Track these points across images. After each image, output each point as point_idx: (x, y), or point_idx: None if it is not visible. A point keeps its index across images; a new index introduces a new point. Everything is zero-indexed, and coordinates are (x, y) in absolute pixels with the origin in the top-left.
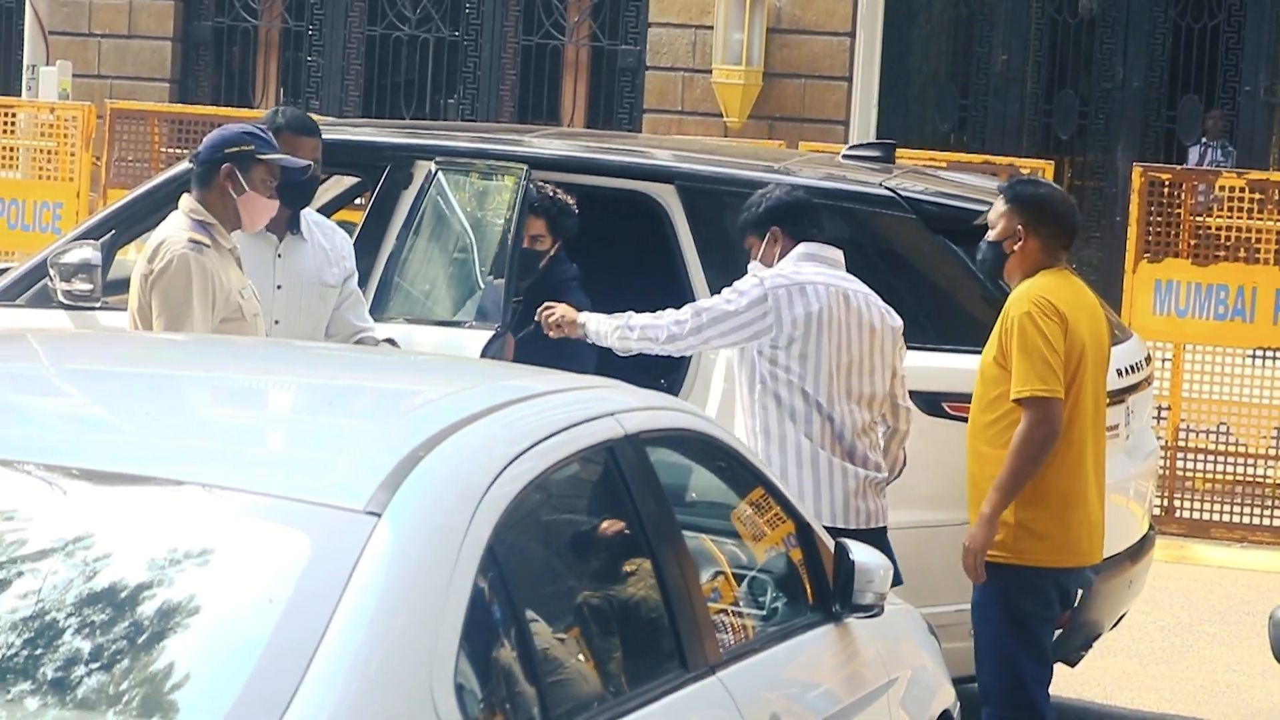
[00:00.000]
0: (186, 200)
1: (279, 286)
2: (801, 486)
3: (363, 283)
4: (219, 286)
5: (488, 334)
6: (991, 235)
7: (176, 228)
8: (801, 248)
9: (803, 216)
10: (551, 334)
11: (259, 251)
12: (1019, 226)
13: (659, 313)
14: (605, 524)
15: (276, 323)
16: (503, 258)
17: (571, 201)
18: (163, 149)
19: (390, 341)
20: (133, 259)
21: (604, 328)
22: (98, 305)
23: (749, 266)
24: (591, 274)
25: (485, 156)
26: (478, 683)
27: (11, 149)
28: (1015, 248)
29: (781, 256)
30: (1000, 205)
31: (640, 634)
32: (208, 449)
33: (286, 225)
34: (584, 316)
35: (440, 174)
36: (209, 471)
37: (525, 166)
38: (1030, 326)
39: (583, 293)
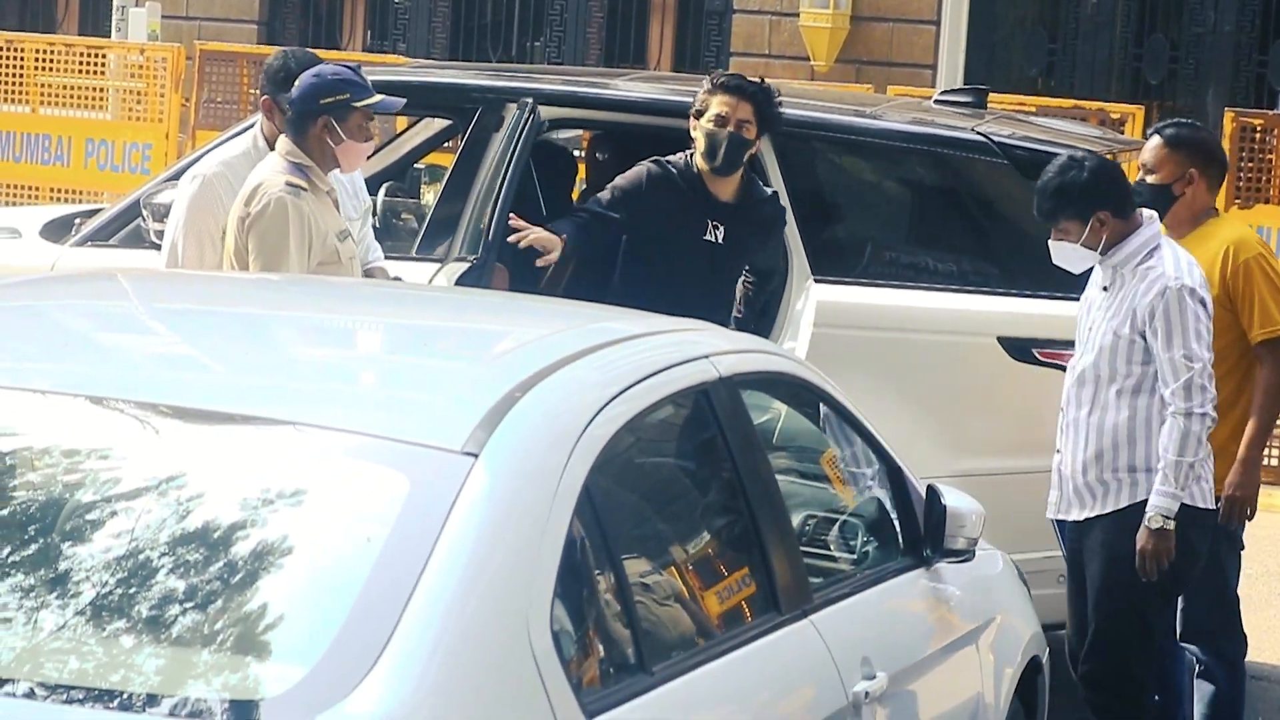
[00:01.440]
0: (283, 142)
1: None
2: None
3: (454, 224)
4: (315, 230)
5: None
6: (1156, 178)
7: (273, 170)
8: (1152, 232)
9: (1126, 189)
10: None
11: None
12: (1191, 170)
13: (1165, 428)
14: (699, 466)
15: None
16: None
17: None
18: (251, 91)
19: (397, 279)
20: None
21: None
22: None
23: (1058, 247)
24: None
25: (575, 100)
26: (573, 624)
27: (101, 90)
28: (1186, 190)
29: (1112, 240)
30: (1160, 148)
31: (733, 576)
32: (303, 389)
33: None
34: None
35: (532, 117)
36: (305, 411)
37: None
38: (1268, 269)
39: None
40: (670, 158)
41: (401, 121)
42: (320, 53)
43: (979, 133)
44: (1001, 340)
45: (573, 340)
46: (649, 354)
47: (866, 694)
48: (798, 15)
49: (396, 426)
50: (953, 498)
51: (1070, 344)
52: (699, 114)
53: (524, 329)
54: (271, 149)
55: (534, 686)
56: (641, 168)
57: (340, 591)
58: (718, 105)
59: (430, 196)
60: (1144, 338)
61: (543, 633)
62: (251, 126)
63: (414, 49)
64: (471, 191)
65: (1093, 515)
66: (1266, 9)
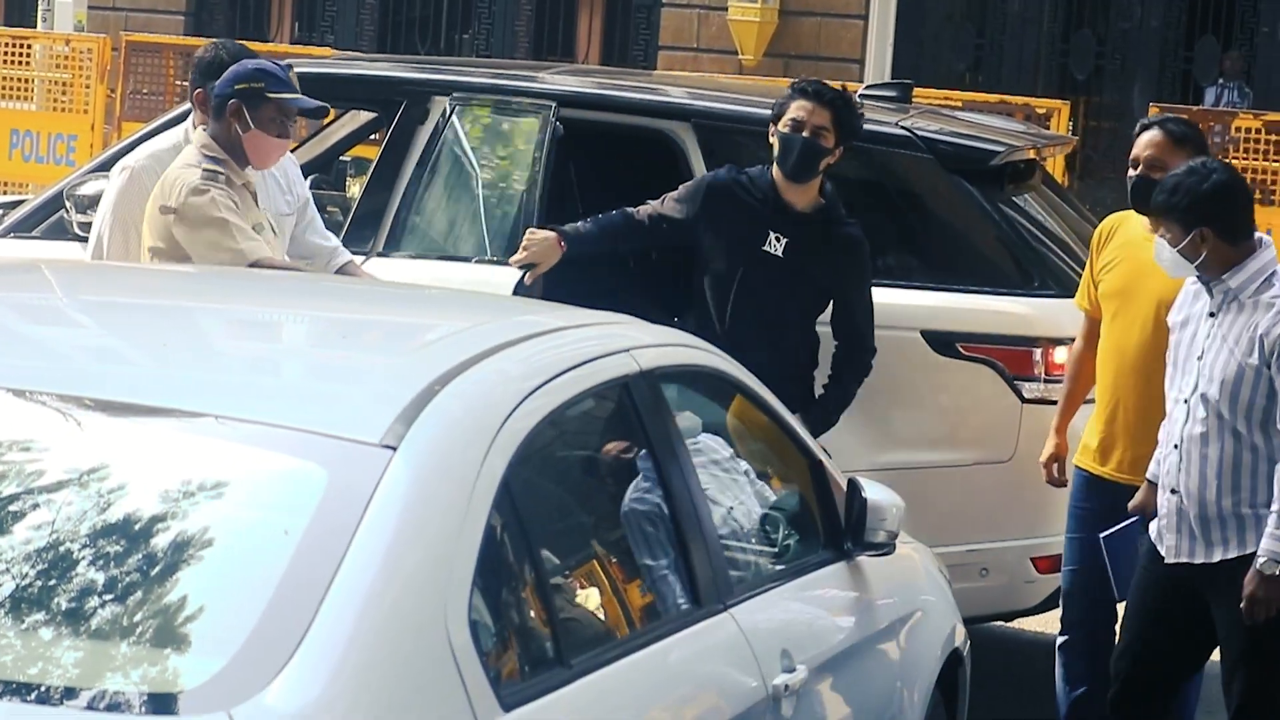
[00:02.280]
0: (200, 135)
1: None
2: None
3: (377, 219)
4: (225, 221)
5: (499, 269)
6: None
7: (188, 165)
8: (1270, 257)
9: (1243, 214)
10: None
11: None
12: None
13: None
14: (619, 458)
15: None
16: (531, 196)
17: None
18: (177, 82)
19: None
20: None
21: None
22: None
23: (1160, 244)
24: (599, 209)
25: (502, 93)
26: (491, 618)
27: (26, 80)
28: None
29: (1218, 262)
30: (1165, 143)
31: (653, 570)
32: (224, 381)
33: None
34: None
35: (457, 110)
36: (225, 403)
37: (553, 103)
38: None
39: None
40: (749, 169)
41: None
42: (247, 44)
43: (904, 127)
44: (925, 334)
45: (493, 333)
46: (570, 347)
47: (786, 686)
48: (726, 9)
49: (316, 419)
50: (873, 491)
51: (996, 338)
52: (775, 119)
53: (445, 322)
54: None
55: (451, 679)
56: (704, 175)
57: (258, 584)
58: (795, 110)
59: (356, 189)
60: (1270, 368)
61: (460, 626)
62: (182, 119)
63: (342, 41)
64: (396, 185)
65: (1231, 557)
66: (1192, 6)
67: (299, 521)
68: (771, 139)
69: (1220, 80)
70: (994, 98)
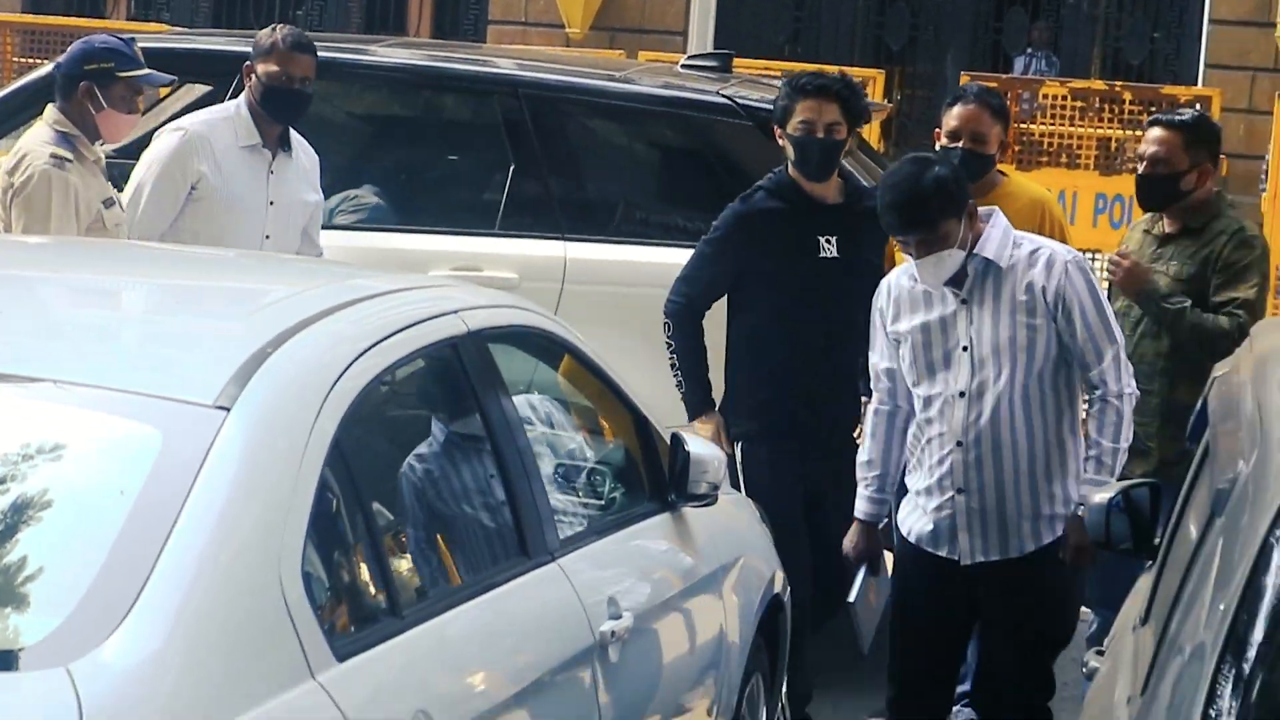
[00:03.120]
0: (50, 110)
1: (271, 203)
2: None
3: None
4: (81, 198)
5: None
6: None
7: (38, 140)
8: (1000, 217)
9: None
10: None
11: (253, 168)
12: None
13: (1098, 413)
14: (449, 418)
15: (268, 238)
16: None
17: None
18: (14, 59)
19: None
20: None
21: (1102, 477)
22: None
23: (939, 260)
24: (435, 180)
25: (333, 66)
26: (325, 572)
27: None
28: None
29: (974, 242)
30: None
31: (482, 523)
32: (62, 346)
33: (278, 142)
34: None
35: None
36: (63, 368)
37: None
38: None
39: None
40: (760, 183)
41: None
42: (83, 22)
43: (725, 95)
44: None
45: (324, 297)
46: (399, 309)
47: (613, 633)
48: None
49: (151, 382)
50: (695, 445)
51: None
52: (782, 121)
53: (277, 287)
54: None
55: (286, 632)
56: (726, 213)
57: (95, 543)
58: (802, 111)
59: None
60: (1056, 321)
61: (294, 581)
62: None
63: (178, 19)
64: None
65: (1044, 544)
66: None
67: (134, 482)
68: (781, 141)
69: (1029, 50)
70: (812, 67)
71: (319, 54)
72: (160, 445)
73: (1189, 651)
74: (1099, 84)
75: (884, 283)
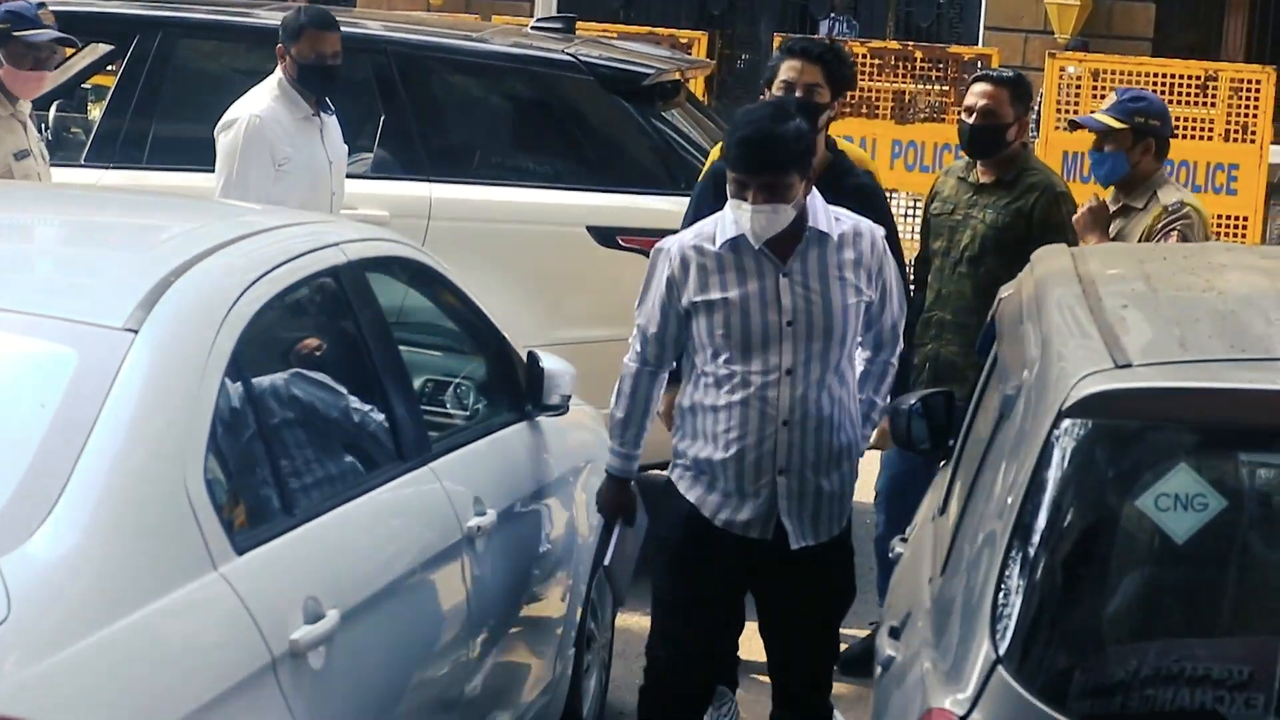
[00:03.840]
0: None
1: (330, 162)
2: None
3: (114, 137)
4: None
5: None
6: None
7: None
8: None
9: None
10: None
11: (307, 133)
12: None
13: (878, 374)
14: (332, 338)
15: (334, 194)
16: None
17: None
18: None
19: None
20: None
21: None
22: None
23: (778, 211)
24: None
25: (219, 28)
26: (224, 475)
27: None
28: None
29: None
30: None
31: (363, 432)
32: None
33: (318, 108)
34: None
35: (179, 43)
36: None
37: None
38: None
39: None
40: None
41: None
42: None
43: (569, 54)
44: (590, 229)
45: (220, 232)
46: (286, 243)
47: (479, 528)
48: None
49: (66, 308)
50: (549, 361)
51: (648, 231)
52: (768, 82)
53: (177, 224)
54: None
55: (191, 529)
56: (703, 182)
57: (19, 452)
58: (785, 71)
59: (96, 113)
60: (874, 291)
61: (198, 483)
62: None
63: None
64: (129, 107)
65: (840, 531)
66: None
67: (54, 396)
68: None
69: (832, 14)
70: (644, 29)
71: (205, 16)
72: (76, 363)
73: (982, 537)
74: (893, 44)
75: (670, 247)
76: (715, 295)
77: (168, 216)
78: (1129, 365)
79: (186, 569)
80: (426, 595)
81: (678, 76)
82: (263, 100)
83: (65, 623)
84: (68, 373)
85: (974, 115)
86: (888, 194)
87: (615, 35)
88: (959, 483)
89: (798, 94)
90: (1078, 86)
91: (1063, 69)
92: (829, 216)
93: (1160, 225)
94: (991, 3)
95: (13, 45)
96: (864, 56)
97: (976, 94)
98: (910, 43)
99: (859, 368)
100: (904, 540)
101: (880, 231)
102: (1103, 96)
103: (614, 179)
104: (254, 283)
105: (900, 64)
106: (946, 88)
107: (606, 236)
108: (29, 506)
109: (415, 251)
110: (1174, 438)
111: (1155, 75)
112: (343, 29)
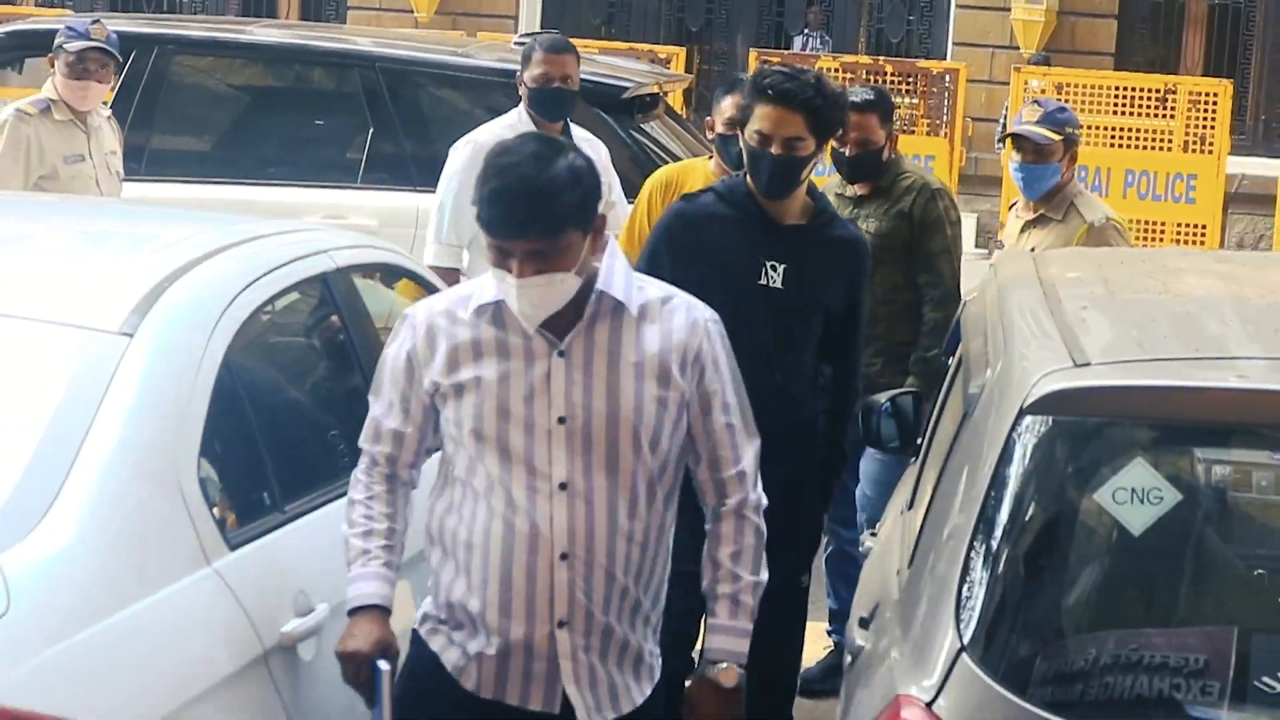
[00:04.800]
0: (49, 83)
1: None
2: None
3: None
4: (34, 148)
5: (211, 187)
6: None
7: (18, 103)
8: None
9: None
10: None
11: None
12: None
13: (726, 530)
14: (322, 341)
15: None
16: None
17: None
18: None
19: None
20: None
21: (739, 623)
22: None
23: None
24: (305, 142)
25: (216, 44)
26: (218, 475)
27: None
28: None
29: (586, 270)
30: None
31: (351, 431)
32: None
33: (564, 132)
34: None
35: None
36: None
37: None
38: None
39: None
40: (714, 184)
41: None
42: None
43: None
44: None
45: (213, 239)
46: (277, 249)
47: None
48: None
49: (64, 313)
50: None
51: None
52: (742, 123)
53: (170, 231)
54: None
55: (185, 527)
56: (667, 211)
57: (17, 453)
58: (760, 118)
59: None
60: (685, 391)
61: (191, 482)
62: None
63: (80, 5)
64: (127, 119)
65: (640, 705)
66: None
67: (51, 398)
68: (742, 145)
69: (805, 30)
70: (625, 45)
71: (200, 33)
72: (73, 367)
73: (947, 530)
74: (865, 58)
75: (415, 314)
76: (466, 376)
77: (161, 225)
78: (1088, 364)
79: (181, 564)
80: (406, 585)
81: (656, 90)
82: (494, 127)
83: (63, 616)
84: (65, 376)
85: (847, 146)
86: None
87: (596, 50)
88: (926, 478)
89: (774, 149)
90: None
91: (1027, 83)
92: (629, 282)
93: (1091, 243)
94: (959, 19)
95: (64, 56)
96: (836, 70)
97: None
98: (881, 57)
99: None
100: (874, 535)
101: (709, 316)
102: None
103: None
104: (246, 288)
105: (871, 78)
106: (916, 100)
107: None
108: (27, 505)
109: (402, 258)
110: (1131, 434)
111: (1117, 88)
112: (332, 45)
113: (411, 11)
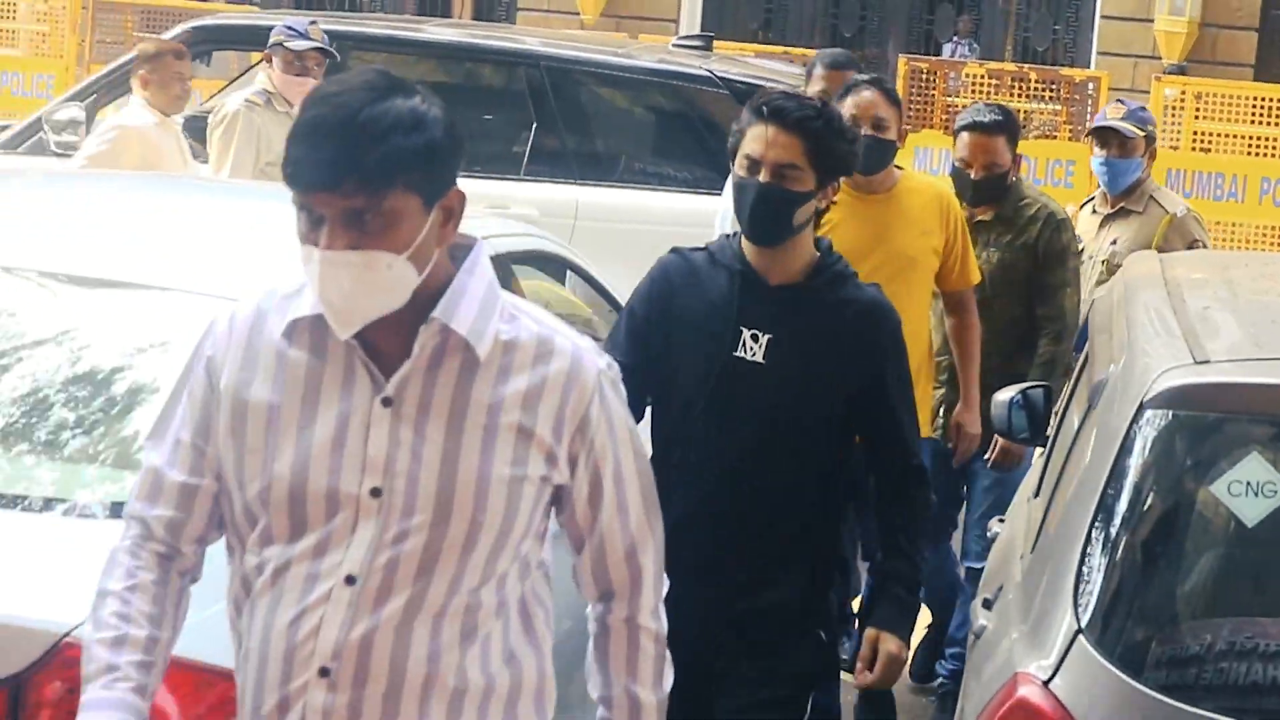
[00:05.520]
0: (261, 74)
1: None
2: None
3: None
4: (262, 138)
5: None
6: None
7: (236, 94)
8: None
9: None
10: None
11: None
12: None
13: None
14: None
15: None
16: None
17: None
18: (134, 33)
19: None
20: (109, 117)
21: None
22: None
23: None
24: (472, 135)
25: (394, 41)
26: None
27: (14, 31)
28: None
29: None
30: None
31: None
32: (161, 262)
33: None
34: None
35: (356, 55)
36: (164, 278)
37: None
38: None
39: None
40: (713, 242)
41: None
42: (188, 4)
43: (706, 69)
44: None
45: None
46: None
47: None
48: None
49: (237, 290)
50: None
51: None
52: (731, 153)
53: None
54: None
55: None
56: (657, 261)
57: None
58: (750, 141)
59: None
60: (560, 466)
61: None
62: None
63: (266, 2)
64: None
65: None
66: None
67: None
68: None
69: (955, 38)
70: (779, 49)
71: (378, 31)
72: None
73: (1068, 518)
74: (1010, 66)
75: (217, 321)
76: (255, 395)
77: None
78: (1207, 361)
79: None
80: None
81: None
82: None
83: None
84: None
85: (974, 169)
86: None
87: (752, 53)
88: (1052, 468)
89: (761, 176)
90: (1180, 108)
91: (1168, 91)
92: (489, 310)
93: (1173, 234)
94: (1104, 29)
95: (284, 54)
96: (982, 77)
97: (972, 146)
98: (1026, 65)
99: (594, 621)
100: (1001, 520)
101: (601, 364)
102: (1202, 118)
103: None
104: None
105: (1016, 84)
106: (1059, 107)
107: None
108: None
109: (560, 248)
110: (1247, 429)
111: (1255, 99)
112: (501, 43)
113: (578, 14)
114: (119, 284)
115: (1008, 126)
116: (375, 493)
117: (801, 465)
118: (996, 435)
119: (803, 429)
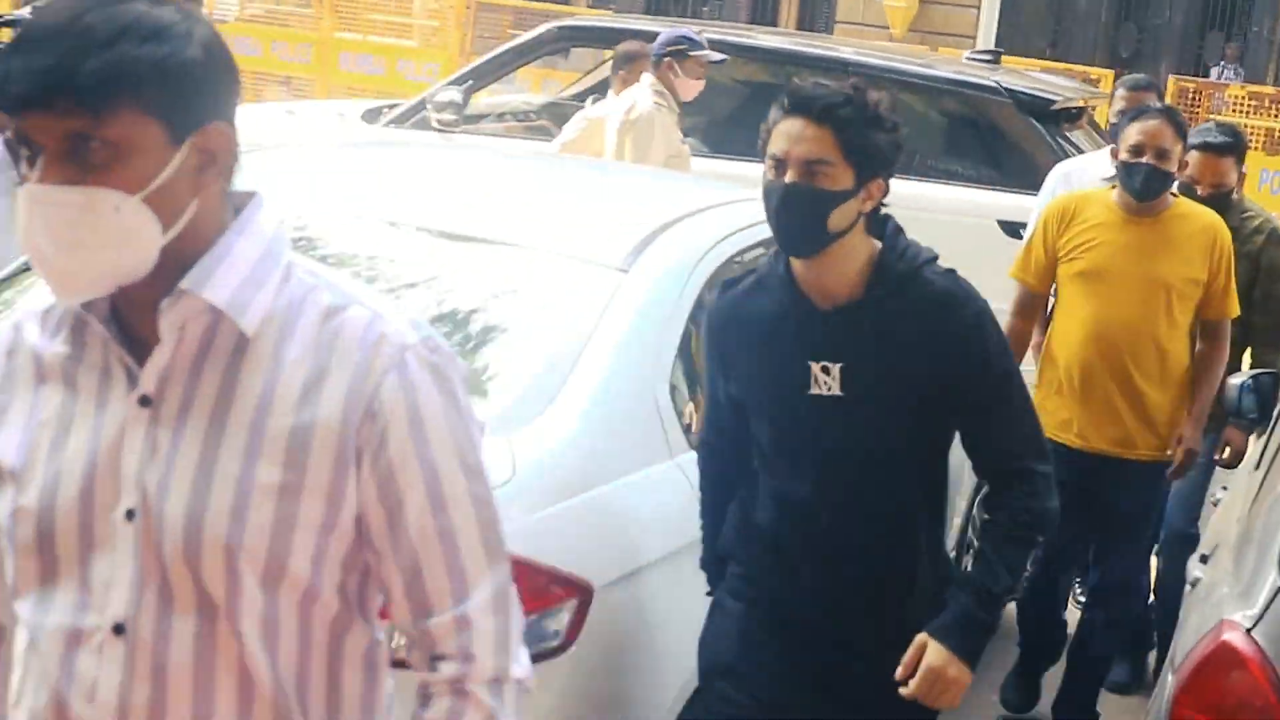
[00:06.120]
0: (646, 76)
1: None
2: None
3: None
4: (666, 133)
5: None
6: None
7: (643, 94)
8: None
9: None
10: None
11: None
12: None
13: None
14: None
15: None
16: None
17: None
18: (510, 30)
19: None
20: (484, 100)
21: None
22: (457, 130)
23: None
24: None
25: (726, 46)
26: (686, 386)
27: (409, 26)
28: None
29: (176, 260)
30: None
31: None
32: (523, 222)
33: None
34: None
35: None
36: (523, 237)
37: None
38: None
39: None
40: (760, 264)
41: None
42: (554, 7)
43: (994, 81)
44: (1000, 223)
45: (694, 200)
46: (746, 212)
47: None
48: None
49: (578, 250)
50: None
51: None
52: (760, 155)
53: (668, 191)
54: None
55: (655, 426)
56: (706, 315)
57: (533, 357)
58: (775, 139)
59: None
60: (356, 490)
61: (664, 391)
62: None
63: (621, 5)
64: None
65: None
66: (1205, 7)
67: (561, 317)
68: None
69: (1222, 63)
70: (1063, 66)
71: (714, 36)
72: (582, 292)
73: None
74: (1269, 89)
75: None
76: (11, 431)
77: (666, 186)
78: None
79: (650, 456)
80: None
81: (1082, 104)
82: (1082, 161)
83: (555, 486)
84: (575, 298)
85: (1201, 186)
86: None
87: (1038, 69)
88: (1272, 442)
89: (788, 177)
90: None
91: None
92: (260, 275)
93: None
94: None
95: (687, 62)
96: (1244, 98)
97: (1202, 165)
98: None
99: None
100: (1225, 489)
101: (415, 339)
102: None
103: (1022, 184)
104: (719, 242)
105: (1274, 106)
106: None
107: (1013, 230)
108: (535, 400)
109: None
110: None
111: None
112: (817, 51)
113: (888, 28)
114: (479, 240)
115: (1237, 148)
116: (130, 515)
117: (893, 503)
118: (1226, 432)
119: (901, 450)
